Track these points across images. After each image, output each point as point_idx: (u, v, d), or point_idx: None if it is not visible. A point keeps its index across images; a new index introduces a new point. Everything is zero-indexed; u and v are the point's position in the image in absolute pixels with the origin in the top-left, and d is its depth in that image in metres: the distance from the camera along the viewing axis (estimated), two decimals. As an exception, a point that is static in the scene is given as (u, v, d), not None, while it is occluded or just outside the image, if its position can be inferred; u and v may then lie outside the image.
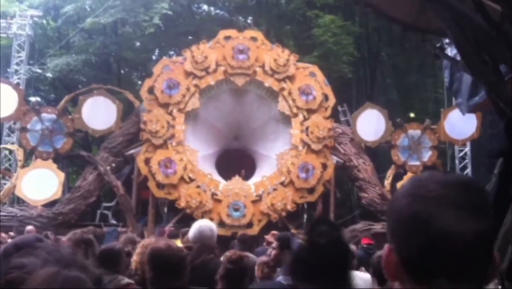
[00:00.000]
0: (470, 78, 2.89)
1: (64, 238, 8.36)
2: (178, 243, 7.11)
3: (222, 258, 4.15)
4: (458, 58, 2.73)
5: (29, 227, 9.10)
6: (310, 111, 14.46)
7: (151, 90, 14.13)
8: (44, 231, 10.75)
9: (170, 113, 14.01)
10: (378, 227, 13.42)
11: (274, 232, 8.92)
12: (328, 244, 2.07)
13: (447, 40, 3.04)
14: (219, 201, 13.54)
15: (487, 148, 12.63)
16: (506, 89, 2.16)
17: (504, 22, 2.00)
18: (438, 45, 2.87)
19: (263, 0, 22.85)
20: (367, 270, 5.03)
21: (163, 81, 14.06)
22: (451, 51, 2.97)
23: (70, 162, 16.78)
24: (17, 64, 17.19)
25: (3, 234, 8.14)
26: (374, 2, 2.79)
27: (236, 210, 13.49)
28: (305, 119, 14.42)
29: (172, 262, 2.95)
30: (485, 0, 1.98)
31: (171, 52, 22.53)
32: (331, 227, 2.22)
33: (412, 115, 16.26)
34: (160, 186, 13.65)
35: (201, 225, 4.59)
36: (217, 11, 24.67)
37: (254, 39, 14.71)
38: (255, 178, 14.35)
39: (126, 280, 3.37)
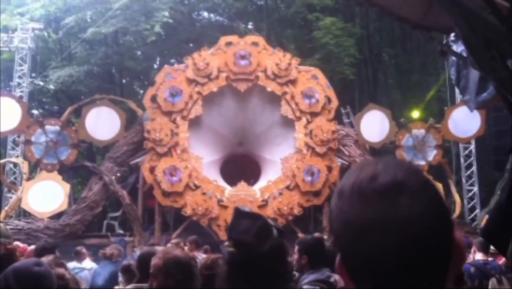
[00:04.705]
0: (477, 74, 2.87)
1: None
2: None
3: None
4: (465, 54, 2.72)
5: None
6: (314, 114, 14.44)
7: (154, 99, 14.14)
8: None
9: (174, 121, 14.01)
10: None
11: None
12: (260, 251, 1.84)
13: (452, 38, 3.02)
14: (225, 207, 13.50)
15: (493, 145, 12.57)
16: (516, 84, 2.14)
17: (513, 17, 1.98)
18: (444, 42, 2.86)
19: (263, 5, 22.91)
20: None
21: (166, 89, 14.06)
22: (457, 48, 2.95)
23: (75, 173, 16.77)
24: (20, 77, 17.20)
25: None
26: (380, 2, 2.78)
27: (243, 216, 13.43)
28: (308, 122, 14.39)
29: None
30: (493, -4, 1.96)
31: (173, 60, 22.56)
32: (252, 218, 1.97)
33: (415, 114, 16.18)
34: (165, 194, 13.63)
35: None
36: (218, 17, 24.72)
37: (255, 44, 14.71)
38: (261, 183, 14.31)
39: None
